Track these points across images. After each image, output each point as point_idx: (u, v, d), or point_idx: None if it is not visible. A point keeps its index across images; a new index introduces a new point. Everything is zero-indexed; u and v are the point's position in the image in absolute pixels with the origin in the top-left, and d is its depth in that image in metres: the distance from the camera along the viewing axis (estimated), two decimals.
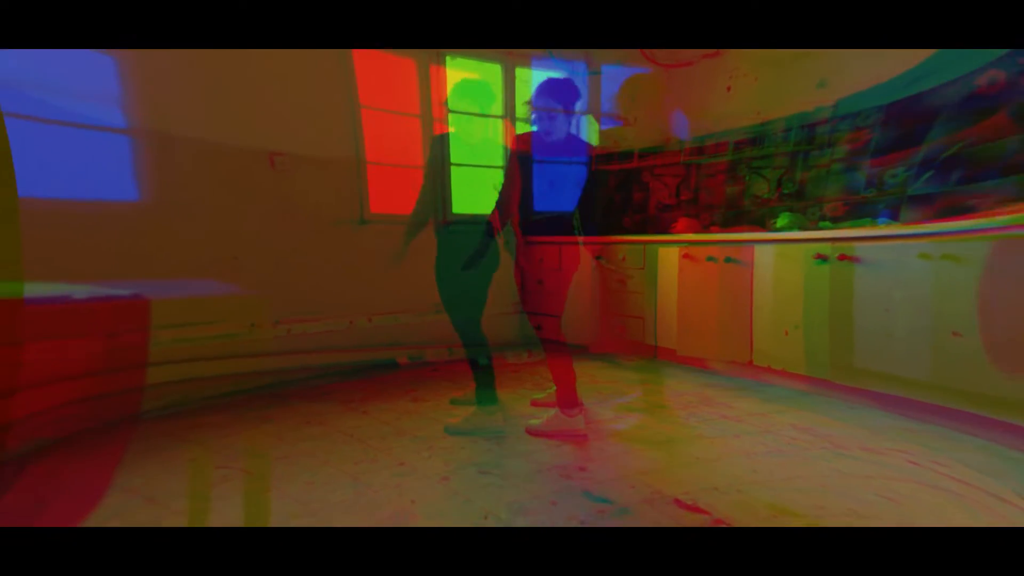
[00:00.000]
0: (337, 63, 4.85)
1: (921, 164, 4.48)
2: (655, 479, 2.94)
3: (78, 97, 3.96)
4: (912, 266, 3.71)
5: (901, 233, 3.79)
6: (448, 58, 5.21)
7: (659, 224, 6.25)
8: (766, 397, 4.33)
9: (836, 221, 4.97)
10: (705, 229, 5.21)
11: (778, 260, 4.48)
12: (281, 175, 4.64)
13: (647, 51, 5.99)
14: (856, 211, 4.93)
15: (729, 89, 5.74)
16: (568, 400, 3.63)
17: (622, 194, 6.03)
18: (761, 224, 5.43)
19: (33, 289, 3.42)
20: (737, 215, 5.73)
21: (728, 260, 4.73)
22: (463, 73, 5.37)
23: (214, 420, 3.92)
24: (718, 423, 3.77)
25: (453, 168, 3.97)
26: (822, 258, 4.21)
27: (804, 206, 5.32)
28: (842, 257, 4.07)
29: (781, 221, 5.04)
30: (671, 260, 5.14)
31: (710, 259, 4.83)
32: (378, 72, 5.07)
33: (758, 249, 4.60)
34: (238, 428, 3.77)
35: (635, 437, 3.54)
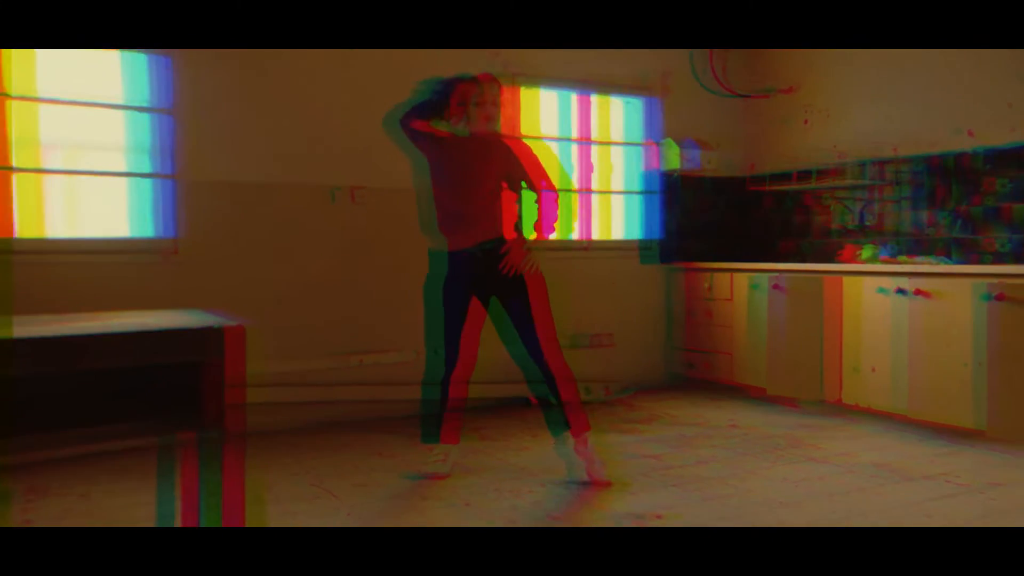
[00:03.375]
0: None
1: None
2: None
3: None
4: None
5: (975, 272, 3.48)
6: (523, 87, 5.10)
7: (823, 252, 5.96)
8: None
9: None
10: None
11: None
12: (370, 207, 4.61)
13: (725, 81, 5.76)
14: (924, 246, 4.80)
15: (806, 123, 5.49)
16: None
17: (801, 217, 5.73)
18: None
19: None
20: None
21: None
22: (536, 98, 5.25)
23: (340, 440, 3.97)
24: None
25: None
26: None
27: (884, 239, 5.03)
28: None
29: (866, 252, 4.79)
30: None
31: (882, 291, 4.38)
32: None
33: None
34: (334, 450, 3.80)
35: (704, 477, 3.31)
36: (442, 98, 3.49)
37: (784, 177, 5.56)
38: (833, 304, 4.57)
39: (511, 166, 3.43)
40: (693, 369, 5.66)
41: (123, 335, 1.78)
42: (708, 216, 5.86)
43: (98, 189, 4.06)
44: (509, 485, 3.35)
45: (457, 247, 3.38)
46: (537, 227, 3.43)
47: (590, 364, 5.31)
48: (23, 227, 3.83)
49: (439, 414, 3.55)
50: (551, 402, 3.53)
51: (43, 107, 3.87)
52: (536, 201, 3.45)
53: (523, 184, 3.46)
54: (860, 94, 5.19)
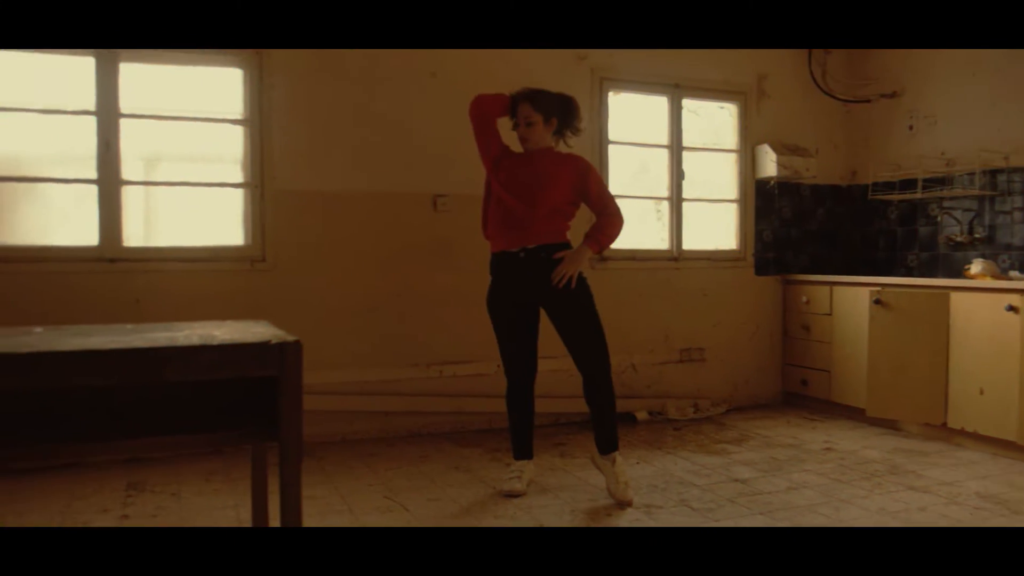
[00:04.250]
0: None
1: None
2: None
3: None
4: None
5: None
6: (611, 92, 4.97)
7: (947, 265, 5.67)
8: None
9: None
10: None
11: None
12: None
13: (825, 84, 5.49)
14: None
15: (911, 128, 5.16)
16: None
17: (906, 228, 5.38)
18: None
19: None
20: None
21: None
22: (627, 105, 5.11)
23: (418, 452, 3.88)
24: None
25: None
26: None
27: (994, 253, 4.66)
28: None
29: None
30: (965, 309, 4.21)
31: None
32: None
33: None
34: (411, 463, 3.72)
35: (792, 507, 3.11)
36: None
37: (888, 186, 5.25)
38: (939, 321, 4.27)
39: (581, 186, 3.42)
40: (789, 386, 5.41)
41: (202, 348, 1.78)
42: (806, 226, 5.59)
43: (185, 199, 4.15)
44: (585, 507, 3.24)
45: (500, 248, 3.37)
46: (592, 242, 3.37)
47: (679, 379, 5.15)
48: (111, 236, 3.95)
49: (510, 430, 3.50)
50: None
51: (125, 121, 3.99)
52: (599, 219, 3.45)
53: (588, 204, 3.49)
54: (969, 100, 4.85)
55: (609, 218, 3.42)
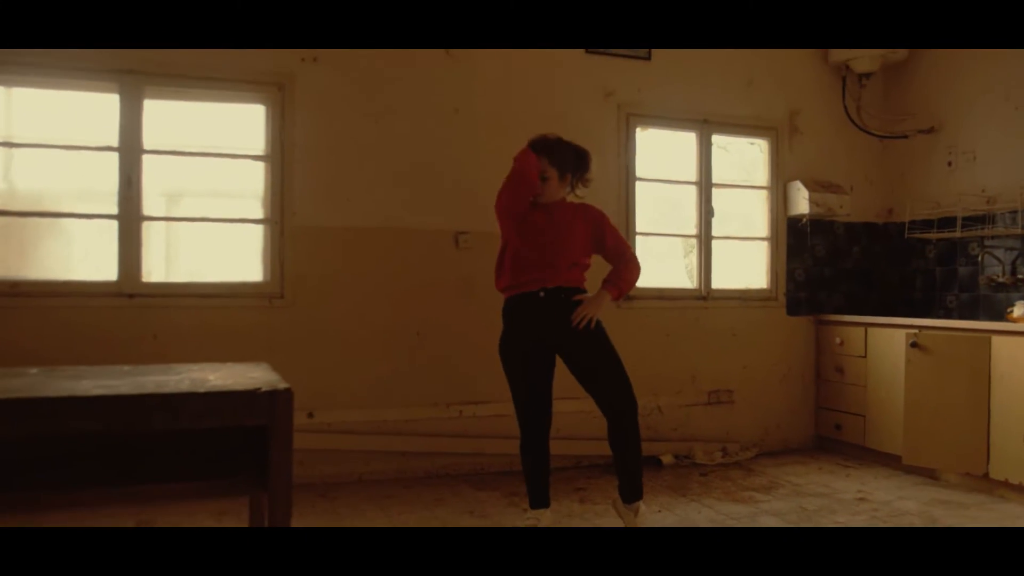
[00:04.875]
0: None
1: None
2: None
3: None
4: None
5: None
6: (639, 128, 4.90)
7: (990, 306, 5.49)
8: None
9: None
10: None
11: None
12: None
13: (860, 120, 5.35)
14: None
15: (950, 165, 5.00)
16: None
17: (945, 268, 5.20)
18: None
19: None
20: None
21: None
22: (655, 140, 5.04)
23: (433, 495, 3.78)
24: None
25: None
26: None
27: None
28: None
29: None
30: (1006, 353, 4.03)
31: None
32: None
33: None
34: (426, 506, 3.60)
35: None
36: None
37: (926, 224, 5.08)
38: (980, 365, 4.08)
39: (597, 235, 3.43)
40: (822, 431, 5.22)
41: (189, 395, 1.71)
42: (840, 265, 5.42)
43: (205, 235, 4.15)
44: None
45: (518, 291, 3.30)
46: (611, 287, 3.34)
47: (706, 422, 4.99)
48: (130, 271, 3.94)
49: (526, 479, 3.39)
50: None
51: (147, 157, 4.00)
52: (616, 265, 3.44)
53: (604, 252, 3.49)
54: (1010, 135, 4.68)
55: (627, 264, 3.41)
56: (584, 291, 3.35)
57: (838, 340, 5.06)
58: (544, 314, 3.27)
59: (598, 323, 3.28)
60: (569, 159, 3.39)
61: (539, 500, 3.34)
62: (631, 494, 3.26)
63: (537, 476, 3.33)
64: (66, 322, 3.80)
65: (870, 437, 4.78)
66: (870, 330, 4.81)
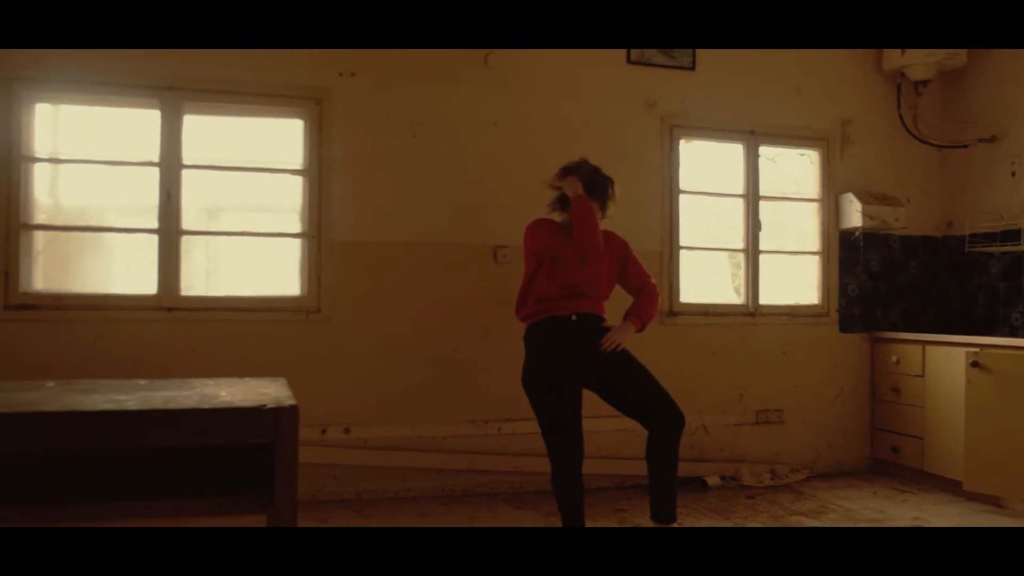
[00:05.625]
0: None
1: None
2: None
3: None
4: None
5: None
6: (683, 140, 4.78)
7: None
8: None
9: None
10: None
11: None
12: None
13: (916, 129, 5.14)
14: None
15: (1014, 175, 4.76)
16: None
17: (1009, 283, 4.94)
18: None
19: None
20: None
21: None
22: (700, 152, 4.91)
23: (469, 512, 3.71)
24: None
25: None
26: None
27: None
28: None
29: None
30: None
31: None
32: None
33: None
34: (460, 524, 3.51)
35: None
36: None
37: (988, 238, 4.84)
38: None
39: (620, 263, 3.43)
40: (877, 453, 4.99)
41: (191, 412, 1.67)
42: (896, 280, 5.20)
43: (243, 249, 4.17)
44: None
45: (546, 316, 3.24)
46: (635, 319, 3.35)
47: (755, 443, 4.82)
48: (169, 285, 3.96)
49: (561, 510, 3.25)
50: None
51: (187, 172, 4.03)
52: (638, 297, 3.45)
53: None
54: None
55: (648, 296, 3.43)
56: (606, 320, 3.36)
57: (894, 358, 4.84)
58: (576, 338, 3.22)
59: (624, 348, 3.27)
60: (603, 194, 3.37)
61: (573, 525, 3.23)
62: (666, 514, 3.14)
63: (572, 505, 3.21)
64: (106, 335, 3.84)
65: (929, 461, 4.55)
66: (928, 348, 4.59)
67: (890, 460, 4.87)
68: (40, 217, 3.93)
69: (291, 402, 1.75)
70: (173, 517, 1.74)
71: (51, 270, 3.96)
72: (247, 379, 2.27)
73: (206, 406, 1.69)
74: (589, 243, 3.22)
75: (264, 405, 1.71)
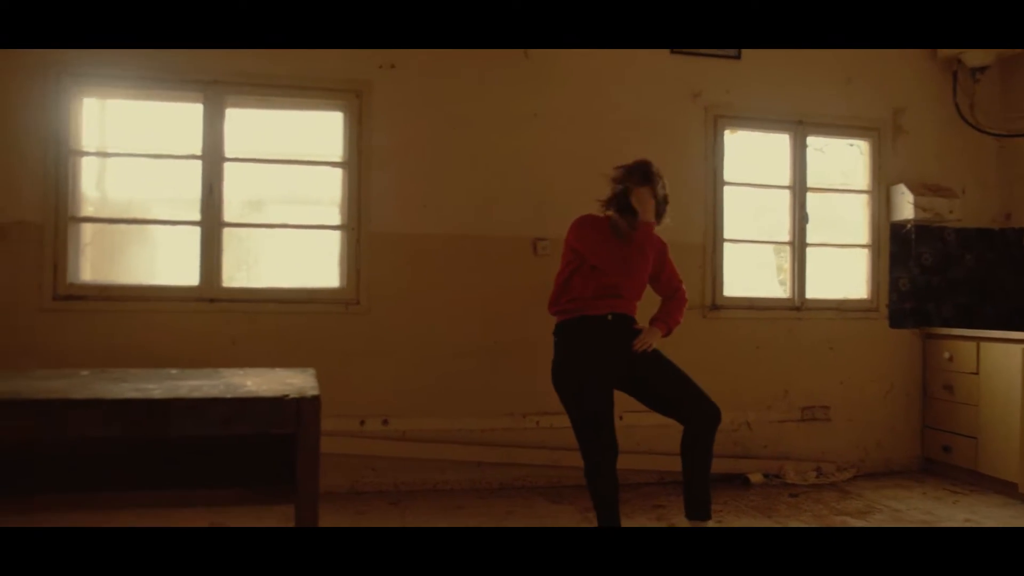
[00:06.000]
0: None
1: None
2: None
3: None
4: None
5: None
6: (727, 131, 4.68)
7: None
8: None
9: None
10: None
11: None
12: None
13: (973, 118, 4.95)
14: None
15: None
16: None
17: None
18: None
19: None
20: None
21: None
22: (745, 143, 4.80)
23: (506, 507, 3.71)
24: None
25: None
26: None
27: None
28: None
29: None
30: None
31: None
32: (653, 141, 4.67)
33: None
34: (496, 518, 3.52)
35: None
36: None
37: None
38: None
39: (659, 264, 3.35)
40: (928, 452, 4.84)
41: (211, 401, 1.68)
42: (950, 274, 5.03)
43: (283, 241, 4.20)
44: None
45: (582, 314, 3.18)
46: (661, 324, 3.30)
47: (800, 440, 4.71)
48: (211, 277, 4.01)
49: (596, 506, 3.20)
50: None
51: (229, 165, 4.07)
52: (668, 301, 3.42)
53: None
54: None
55: (678, 303, 3.40)
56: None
57: (947, 355, 4.68)
58: (609, 338, 3.18)
59: (654, 348, 3.25)
60: (667, 200, 3.27)
61: (609, 522, 3.19)
62: (701, 510, 3.08)
63: (607, 502, 3.16)
64: (150, 325, 3.90)
65: (983, 461, 4.40)
66: (983, 345, 4.43)
67: (941, 460, 4.72)
68: (88, 210, 4.02)
69: (314, 392, 1.74)
70: (198, 506, 1.75)
71: (98, 262, 4.04)
72: (276, 369, 2.28)
73: (229, 396, 1.69)
74: (638, 278, 3.20)
75: (286, 395, 1.71)
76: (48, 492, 1.72)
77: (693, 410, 3.11)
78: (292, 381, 1.97)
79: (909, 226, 4.89)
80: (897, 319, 4.91)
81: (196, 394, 1.70)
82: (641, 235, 3.15)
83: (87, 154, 3.99)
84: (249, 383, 1.92)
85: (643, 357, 3.19)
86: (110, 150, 4.11)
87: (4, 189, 3.82)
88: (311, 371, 2.22)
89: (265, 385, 1.88)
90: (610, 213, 3.30)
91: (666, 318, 3.32)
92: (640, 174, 3.19)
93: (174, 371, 2.15)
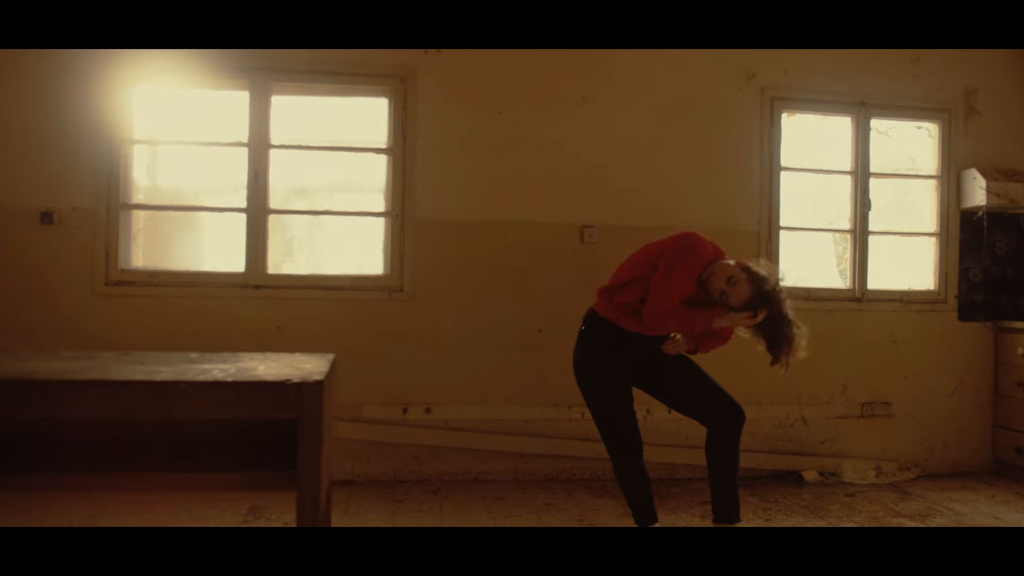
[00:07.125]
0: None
1: None
2: None
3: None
4: None
5: None
6: (785, 113, 4.49)
7: None
8: None
9: None
10: None
11: None
12: None
13: None
14: None
15: None
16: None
17: None
18: None
19: None
20: None
21: None
22: (803, 126, 4.60)
23: (546, 499, 3.66)
24: None
25: None
26: None
27: None
28: None
29: None
30: None
31: None
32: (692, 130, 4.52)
33: None
34: (536, 510, 3.47)
35: None
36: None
37: None
38: None
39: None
40: (1000, 454, 4.58)
41: (212, 384, 1.66)
42: None
43: (328, 227, 4.21)
44: None
45: (620, 324, 3.03)
46: (692, 342, 3.11)
47: (859, 437, 4.51)
48: (256, 263, 4.04)
49: (629, 502, 3.13)
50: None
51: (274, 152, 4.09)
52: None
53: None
54: None
55: (718, 342, 3.19)
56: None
57: (1021, 351, 4.41)
58: (637, 343, 3.05)
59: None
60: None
61: (645, 517, 3.09)
62: (729, 515, 2.96)
63: (639, 497, 3.07)
64: (197, 311, 3.95)
65: None
66: None
67: (1014, 462, 4.45)
68: (138, 197, 4.09)
69: (318, 377, 1.70)
70: (204, 491, 1.75)
71: (148, 248, 4.12)
72: (296, 354, 2.25)
73: (230, 380, 1.67)
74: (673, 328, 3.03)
75: (288, 380, 1.67)
76: (61, 473, 1.73)
77: (714, 412, 3.01)
78: (304, 366, 1.93)
79: (981, 213, 4.62)
80: (967, 311, 4.65)
81: (201, 377, 1.68)
82: (710, 315, 2.96)
83: (138, 142, 4.06)
84: (260, 368, 1.89)
85: (666, 358, 3.10)
86: (160, 138, 4.17)
87: (59, 177, 3.91)
88: (329, 356, 2.19)
89: (275, 369, 1.85)
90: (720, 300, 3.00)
91: (701, 342, 3.11)
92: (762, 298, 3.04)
93: (194, 355, 2.14)
